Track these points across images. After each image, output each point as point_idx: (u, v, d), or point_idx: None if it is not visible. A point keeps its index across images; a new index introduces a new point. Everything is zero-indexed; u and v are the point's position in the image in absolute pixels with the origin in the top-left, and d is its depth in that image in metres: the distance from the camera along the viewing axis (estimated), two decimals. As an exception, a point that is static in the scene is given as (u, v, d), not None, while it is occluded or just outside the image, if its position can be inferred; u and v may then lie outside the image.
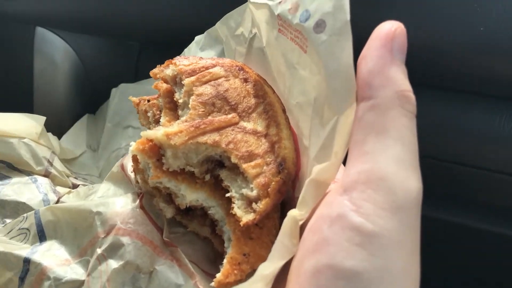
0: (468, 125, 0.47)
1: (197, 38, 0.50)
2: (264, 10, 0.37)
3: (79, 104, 0.70)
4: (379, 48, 0.28)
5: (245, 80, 0.36)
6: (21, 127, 0.46)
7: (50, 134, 0.52)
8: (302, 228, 0.29)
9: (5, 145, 0.44)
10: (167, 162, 0.32)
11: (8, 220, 0.40)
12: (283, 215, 0.34)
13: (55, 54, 0.66)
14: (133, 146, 0.32)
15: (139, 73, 0.66)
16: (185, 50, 0.51)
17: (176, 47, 0.62)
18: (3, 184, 0.42)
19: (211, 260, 0.36)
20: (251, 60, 0.42)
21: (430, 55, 0.44)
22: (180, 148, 0.31)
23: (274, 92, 0.37)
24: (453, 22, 0.44)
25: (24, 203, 0.41)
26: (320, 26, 0.30)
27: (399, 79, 0.27)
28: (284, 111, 0.36)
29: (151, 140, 0.32)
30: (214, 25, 0.49)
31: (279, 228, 0.33)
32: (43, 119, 0.50)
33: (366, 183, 0.26)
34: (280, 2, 0.35)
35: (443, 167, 0.49)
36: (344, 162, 0.29)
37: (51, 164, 0.47)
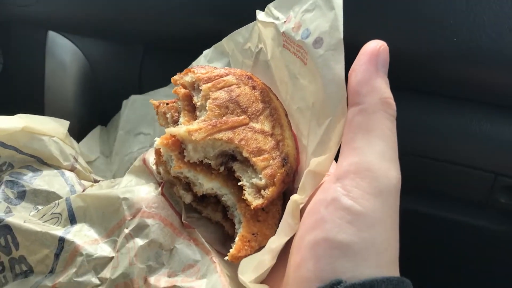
0: (445, 125, 0.53)
1: (205, 52, 0.55)
2: (271, 28, 0.43)
3: (87, 103, 0.75)
4: (366, 63, 0.34)
5: (253, 88, 0.41)
6: (49, 127, 0.51)
7: (71, 138, 0.57)
8: (302, 212, 0.35)
9: (38, 142, 0.49)
10: (188, 154, 0.37)
11: (40, 207, 0.45)
12: (284, 203, 0.40)
13: (65, 56, 0.70)
14: (158, 141, 0.38)
15: (143, 75, 0.70)
16: (194, 62, 0.57)
17: (178, 51, 0.67)
18: (36, 176, 0.47)
19: (222, 241, 0.41)
20: (256, 71, 0.47)
21: (412, 62, 0.51)
22: (199, 143, 0.37)
23: (277, 98, 0.43)
24: (431, 33, 0.50)
25: (54, 193, 0.46)
26: (318, 42, 0.36)
27: (383, 88, 0.33)
28: (286, 115, 0.42)
29: (174, 136, 0.37)
30: (215, 31, 0.55)
31: (282, 214, 0.39)
32: (67, 123, 0.55)
33: (355, 173, 0.32)
34: (285, 22, 0.41)
35: (422, 162, 0.55)
36: (336, 158, 0.35)
37: (76, 160, 0.52)
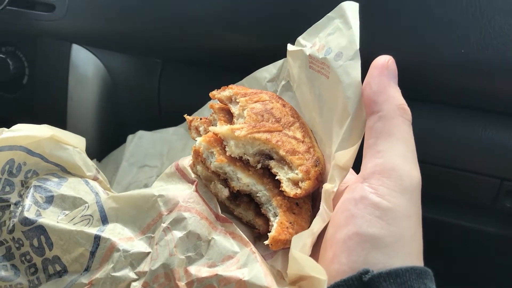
0: (451, 133, 0.57)
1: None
2: (299, 56, 0.48)
3: (108, 113, 0.78)
4: (379, 75, 0.38)
5: (284, 105, 0.46)
6: (72, 138, 0.53)
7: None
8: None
9: (64, 151, 0.50)
10: (230, 149, 0.40)
11: (67, 212, 0.46)
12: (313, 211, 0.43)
13: (88, 68, 0.73)
14: (201, 138, 0.41)
15: (161, 89, 0.73)
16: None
17: (194, 65, 0.72)
18: (61, 182, 0.48)
19: (252, 242, 0.43)
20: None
21: (420, 73, 0.55)
22: (241, 140, 0.40)
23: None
24: (439, 45, 0.55)
25: (81, 198, 0.47)
26: (338, 56, 0.41)
27: (397, 96, 0.38)
28: (311, 131, 0.46)
29: (216, 134, 0.41)
30: (232, 46, 0.60)
31: (311, 213, 0.42)
32: (84, 139, 0.57)
33: (381, 173, 0.35)
34: (311, 47, 0.46)
35: (429, 169, 0.58)
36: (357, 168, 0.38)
37: (98, 172, 0.53)
